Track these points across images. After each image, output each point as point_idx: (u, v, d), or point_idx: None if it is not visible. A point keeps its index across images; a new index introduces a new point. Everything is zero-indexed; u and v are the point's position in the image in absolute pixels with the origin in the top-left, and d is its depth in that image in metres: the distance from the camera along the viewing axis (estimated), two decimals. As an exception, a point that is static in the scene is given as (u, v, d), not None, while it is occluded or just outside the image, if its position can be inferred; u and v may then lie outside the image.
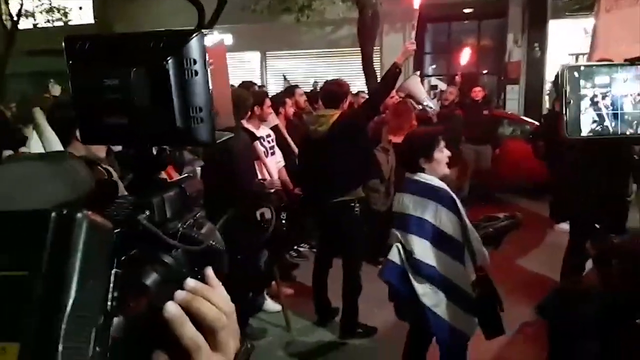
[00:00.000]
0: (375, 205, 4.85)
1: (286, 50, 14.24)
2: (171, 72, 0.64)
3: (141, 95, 0.63)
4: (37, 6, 13.05)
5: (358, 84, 11.17)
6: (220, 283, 0.64)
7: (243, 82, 5.75)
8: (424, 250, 2.75)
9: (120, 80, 0.62)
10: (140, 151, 0.69)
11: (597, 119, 0.60)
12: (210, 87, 0.66)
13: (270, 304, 4.41)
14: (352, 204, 3.90)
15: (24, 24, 13.14)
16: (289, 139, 5.11)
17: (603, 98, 0.59)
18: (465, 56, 8.68)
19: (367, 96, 7.89)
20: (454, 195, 2.87)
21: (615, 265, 1.85)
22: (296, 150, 4.88)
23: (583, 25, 11.62)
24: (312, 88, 9.50)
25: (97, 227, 0.45)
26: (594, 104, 0.59)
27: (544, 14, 12.04)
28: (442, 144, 2.91)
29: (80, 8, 14.22)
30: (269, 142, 4.57)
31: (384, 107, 5.14)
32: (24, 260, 0.42)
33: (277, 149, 4.70)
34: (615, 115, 0.59)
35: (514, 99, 12.39)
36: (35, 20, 13.11)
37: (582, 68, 0.59)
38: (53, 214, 0.43)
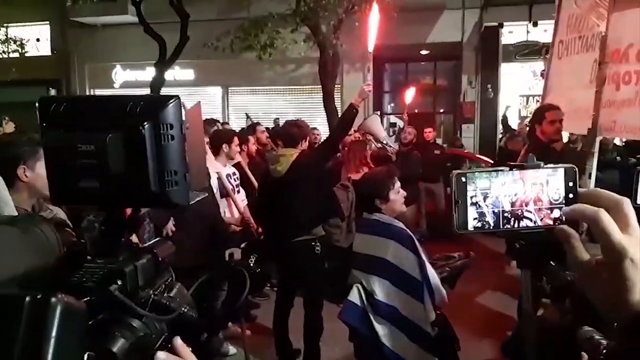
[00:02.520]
0: (337, 242, 4.86)
1: (248, 87, 14.34)
2: (147, 137, 0.64)
3: (116, 160, 0.63)
4: (-8, 37, 12.75)
5: (319, 120, 11.33)
6: (190, 351, 0.64)
7: (206, 119, 5.74)
8: (384, 290, 2.77)
9: (95, 146, 0.62)
10: (112, 213, 0.68)
11: (477, 216, 0.70)
12: (186, 149, 0.67)
13: (225, 346, 4.31)
14: (313, 243, 3.90)
15: (-22, 55, 12.81)
16: (251, 177, 5.10)
17: (484, 198, 0.70)
18: (409, 96, 8.80)
19: (320, 132, 8.02)
20: (412, 234, 2.92)
21: (569, 302, 1.91)
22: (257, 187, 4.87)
23: (532, 69, 12.30)
24: (273, 125, 9.57)
25: (71, 310, 0.45)
26: (475, 203, 0.70)
27: (496, 58, 12.63)
28: (398, 184, 2.97)
29: (38, 40, 13.97)
30: (235, 179, 4.57)
31: (342, 145, 5.22)
32: (1, 344, 0.41)
33: (241, 188, 4.69)
34: (494, 213, 0.70)
35: (469, 137, 12.82)
36: (-10, 51, 12.80)
37: (467, 174, 0.70)
38: (27, 299, 0.43)
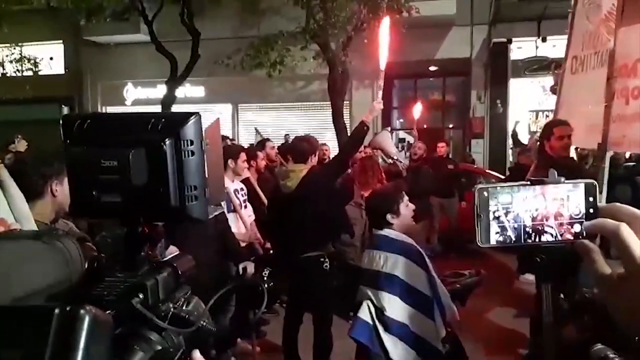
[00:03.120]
0: (352, 260, 4.81)
1: (258, 103, 14.45)
2: (168, 153, 0.66)
3: (138, 176, 0.64)
4: (7, 55, 12.97)
5: (328, 136, 11.38)
6: None
7: (219, 118, 5.76)
8: (394, 307, 2.75)
9: (118, 162, 0.64)
10: (132, 227, 0.69)
11: (499, 231, 0.72)
12: (205, 166, 0.69)
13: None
14: (322, 259, 3.89)
15: (-7, 73, 13.04)
16: (260, 192, 5.12)
17: (506, 214, 0.71)
18: (417, 111, 8.86)
19: (329, 148, 8.05)
20: (422, 250, 2.91)
21: (588, 319, 1.89)
22: (266, 202, 4.88)
23: (541, 84, 12.29)
24: (283, 141, 9.62)
25: (99, 322, 0.46)
26: (497, 218, 0.71)
27: (505, 73, 12.66)
28: (406, 198, 2.97)
29: (51, 58, 14.20)
30: (242, 195, 4.59)
31: (352, 162, 5.22)
32: (30, 355, 0.42)
33: (248, 203, 4.71)
34: (515, 228, 0.71)
35: (478, 153, 12.80)
36: (4, 69, 13.01)
37: (489, 189, 0.72)
38: (56, 311, 0.44)
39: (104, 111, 15.28)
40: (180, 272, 0.68)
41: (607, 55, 4.25)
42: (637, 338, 0.63)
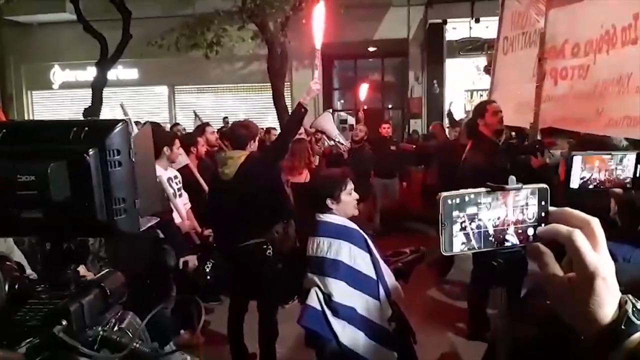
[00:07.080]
0: (276, 247, 4.75)
1: (195, 85, 14.07)
2: (92, 165, 0.61)
3: (59, 190, 0.59)
4: None
5: (269, 119, 11.26)
6: None
7: (149, 122, 5.55)
8: (341, 292, 2.78)
9: (36, 177, 0.58)
10: (56, 244, 0.64)
11: (464, 240, 0.73)
12: (136, 174, 0.64)
13: (179, 356, 4.20)
14: (264, 246, 3.86)
15: None
16: (200, 179, 5.00)
17: (471, 222, 0.72)
18: (363, 92, 9.02)
19: (277, 132, 7.97)
20: (365, 234, 2.95)
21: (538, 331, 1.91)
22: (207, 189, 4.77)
23: (475, 64, 12.67)
24: (222, 124, 9.44)
25: None
26: (462, 228, 0.72)
27: (441, 54, 12.94)
28: (350, 187, 2.98)
29: (-30, 39, 13.21)
30: (176, 183, 4.46)
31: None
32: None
33: (183, 191, 4.59)
34: (479, 235, 0.72)
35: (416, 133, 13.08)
36: None
37: (453, 197, 0.72)
38: None
39: (29, 95, 14.43)
40: (109, 292, 0.64)
41: (536, 35, 4.42)
42: (582, 337, 0.66)
